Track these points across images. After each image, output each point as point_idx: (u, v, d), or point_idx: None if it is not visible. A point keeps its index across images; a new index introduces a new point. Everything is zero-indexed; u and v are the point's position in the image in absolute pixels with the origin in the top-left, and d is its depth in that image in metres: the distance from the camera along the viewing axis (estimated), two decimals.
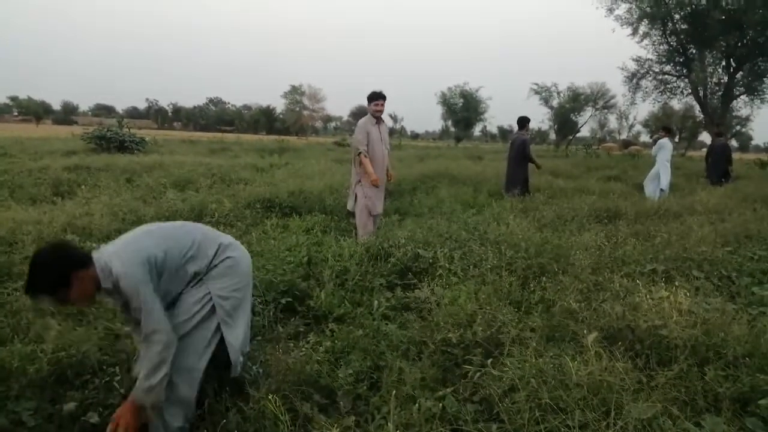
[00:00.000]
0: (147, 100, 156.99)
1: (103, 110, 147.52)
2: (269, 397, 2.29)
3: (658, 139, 11.68)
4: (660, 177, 11.17)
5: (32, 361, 2.65)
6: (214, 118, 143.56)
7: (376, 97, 6.05)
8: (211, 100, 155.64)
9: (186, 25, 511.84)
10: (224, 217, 6.63)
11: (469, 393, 2.62)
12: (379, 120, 6.13)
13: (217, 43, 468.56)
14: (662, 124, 13.45)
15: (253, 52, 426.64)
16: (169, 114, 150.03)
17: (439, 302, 3.55)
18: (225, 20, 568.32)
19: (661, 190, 11.06)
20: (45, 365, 2.64)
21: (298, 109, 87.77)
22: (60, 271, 2.13)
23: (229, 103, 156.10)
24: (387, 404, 2.38)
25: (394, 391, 2.40)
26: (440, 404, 2.39)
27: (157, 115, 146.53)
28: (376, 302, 3.74)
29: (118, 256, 2.22)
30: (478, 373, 2.67)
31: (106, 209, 6.44)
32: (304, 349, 3.07)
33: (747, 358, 2.81)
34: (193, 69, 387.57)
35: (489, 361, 2.73)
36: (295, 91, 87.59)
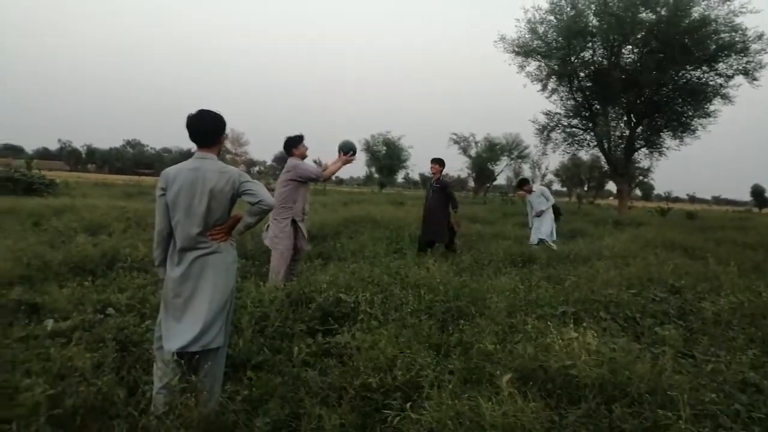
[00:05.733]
0: (59, 140, 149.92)
1: (11, 150, 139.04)
2: None
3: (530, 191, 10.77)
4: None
5: None
6: (131, 160, 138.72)
7: (302, 139, 6.09)
8: (128, 142, 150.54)
9: (102, 64, 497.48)
10: (138, 262, 6.37)
11: None
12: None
13: (136, 84, 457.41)
14: (520, 179, 12.11)
15: (173, 94, 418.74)
16: (83, 155, 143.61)
17: (359, 347, 3.55)
18: (143, 60, 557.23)
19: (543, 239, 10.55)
20: None
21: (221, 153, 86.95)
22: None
23: (147, 145, 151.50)
24: None
25: None
26: None
27: (69, 157, 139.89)
28: (296, 348, 3.68)
29: None
30: (398, 418, 2.68)
31: (10, 254, 6.05)
32: (220, 398, 2.98)
33: (650, 395, 2.97)
34: (110, 110, 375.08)
35: (408, 404, 2.74)
36: None
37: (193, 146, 3.26)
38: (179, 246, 3.08)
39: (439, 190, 8.45)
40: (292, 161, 6.08)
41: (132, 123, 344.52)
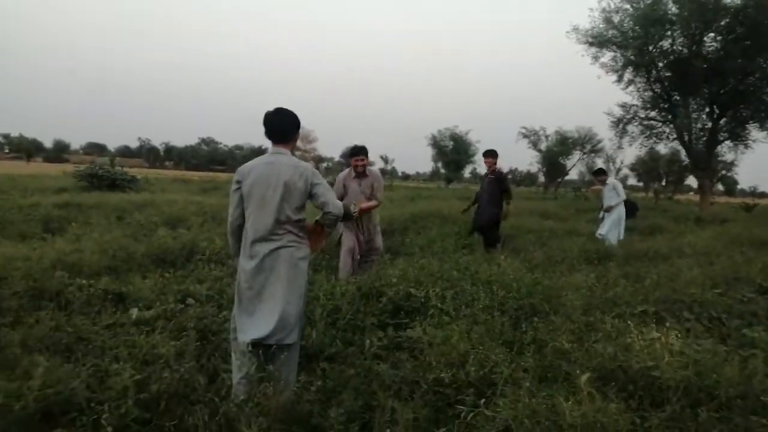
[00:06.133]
0: (139, 139, 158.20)
1: (95, 148, 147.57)
2: None
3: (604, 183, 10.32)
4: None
5: (18, 398, 2.59)
6: (206, 157, 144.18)
7: (357, 153, 6.07)
8: (203, 140, 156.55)
9: (179, 66, 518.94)
10: (215, 255, 6.60)
11: None
12: (360, 174, 6.11)
13: (211, 84, 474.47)
14: (597, 168, 11.46)
15: (246, 93, 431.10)
16: (161, 153, 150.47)
17: (431, 342, 3.52)
18: (217, 62, 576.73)
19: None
20: (31, 402, 2.58)
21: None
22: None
23: (221, 143, 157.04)
24: None
25: (389, 430, 2.38)
26: None
27: (149, 154, 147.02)
28: (367, 341, 3.71)
29: None
30: (471, 414, 2.65)
31: (97, 246, 6.39)
32: (295, 387, 3.04)
33: (739, 400, 2.81)
34: (186, 109, 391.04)
35: (482, 401, 2.70)
36: None
37: (265, 143, 3.36)
38: (252, 238, 3.15)
39: (494, 181, 8.31)
40: (340, 175, 6.30)
41: (207, 121, 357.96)
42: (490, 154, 8.51)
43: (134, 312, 4.21)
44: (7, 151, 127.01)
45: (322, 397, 2.95)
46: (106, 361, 3.20)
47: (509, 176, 9.16)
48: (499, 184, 8.23)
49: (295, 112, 3.33)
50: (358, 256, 6.09)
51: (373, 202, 6.08)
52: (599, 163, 62.78)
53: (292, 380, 3.12)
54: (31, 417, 2.57)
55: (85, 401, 2.68)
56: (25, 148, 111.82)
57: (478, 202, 8.66)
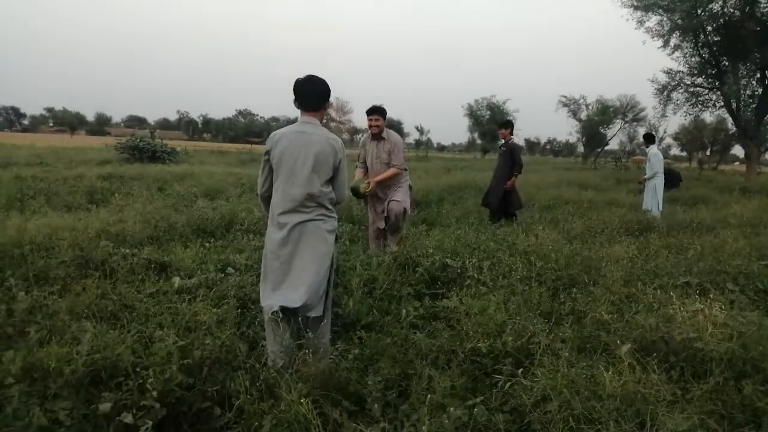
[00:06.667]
0: (178, 111, 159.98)
1: (136, 121, 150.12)
2: (301, 401, 2.29)
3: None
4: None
5: (68, 362, 2.68)
6: (243, 129, 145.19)
7: (371, 112, 5.81)
8: (240, 112, 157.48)
9: (216, 39, 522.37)
10: (254, 226, 6.69)
11: (499, 403, 2.59)
12: (377, 137, 5.87)
13: (247, 57, 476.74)
14: (647, 132, 10.70)
15: (282, 64, 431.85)
16: (200, 125, 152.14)
17: (467, 312, 3.51)
18: (254, 35, 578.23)
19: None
20: (80, 366, 2.67)
21: (325, 121, 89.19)
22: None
23: (257, 115, 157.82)
24: (417, 412, 2.37)
25: (428, 397, 2.40)
26: (470, 413, 2.37)
27: (187, 127, 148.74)
28: (404, 311, 3.72)
29: None
30: (509, 383, 2.64)
31: (139, 216, 6.56)
32: (332, 355, 3.08)
33: None
34: (223, 82, 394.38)
35: (519, 371, 2.70)
36: None
37: (299, 114, 3.32)
38: (281, 209, 3.15)
39: (507, 153, 8.21)
40: (363, 137, 6.15)
41: (243, 94, 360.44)
42: (504, 125, 8.45)
43: (176, 280, 4.30)
44: (51, 124, 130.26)
45: (360, 365, 2.98)
46: (150, 327, 3.27)
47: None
48: (512, 156, 8.10)
49: (330, 82, 3.30)
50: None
51: (390, 171, 5.78)
52: (641, 132, 60.78)
53: (327, 349, 3.15)
54: (80, 380, 2.66)
55: (130, 366, 2.75)
56: (69, 122, 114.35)
57: (493, 177, 8.56)
